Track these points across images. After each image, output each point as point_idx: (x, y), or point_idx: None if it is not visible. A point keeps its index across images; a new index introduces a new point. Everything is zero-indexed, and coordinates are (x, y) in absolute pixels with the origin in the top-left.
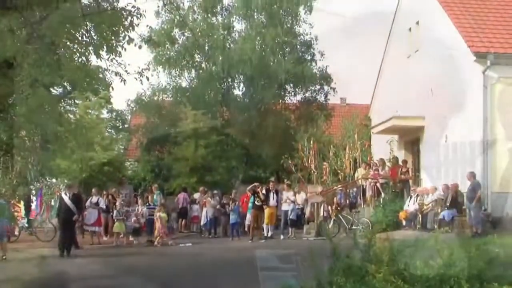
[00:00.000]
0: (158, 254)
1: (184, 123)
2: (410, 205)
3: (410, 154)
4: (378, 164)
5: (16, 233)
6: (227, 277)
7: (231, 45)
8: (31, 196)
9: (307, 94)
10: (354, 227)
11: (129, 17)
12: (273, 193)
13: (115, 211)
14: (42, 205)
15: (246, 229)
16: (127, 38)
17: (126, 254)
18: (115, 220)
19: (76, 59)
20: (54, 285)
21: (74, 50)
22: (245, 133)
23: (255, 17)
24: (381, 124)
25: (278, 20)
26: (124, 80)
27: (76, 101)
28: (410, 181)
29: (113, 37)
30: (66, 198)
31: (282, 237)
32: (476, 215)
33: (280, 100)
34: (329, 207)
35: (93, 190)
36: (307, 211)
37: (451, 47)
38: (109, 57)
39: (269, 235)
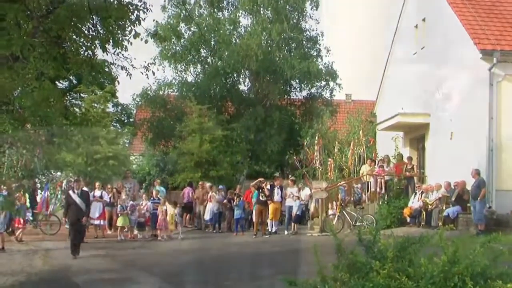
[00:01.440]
0: (160, 248)
1: (189, 117)
2: (415, 202)
3: (415, 151)
4: (383, 161)
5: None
6: (228, 271)
7: (237, 40)
8: (37, 189)
9: (312, 90)
10: (358, 224)
11: (136, 11)
12: (278, 188)
13: (119, 205)
14: (48, 200)
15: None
16: (133, 32)
17: (128, 248)
18: (119, 214)
19: (82, 52)
20: (57, 278)
21: (80, 43)
22: (250, 128)
23: (261, 12)
24: (387, 121)
25: (284, 16)
26: (130, 74)
27: (81, 94)
28: (415, 178)
29: (119, 31)
30: (74, 196)
31: (286, 232)
32: (480, 212)
33: (286, 96)
34: (335, 204)
35: (97, 184)
36: (312, 207)
37: (458, 44)
38: (115, 51)
39: (273, 230)
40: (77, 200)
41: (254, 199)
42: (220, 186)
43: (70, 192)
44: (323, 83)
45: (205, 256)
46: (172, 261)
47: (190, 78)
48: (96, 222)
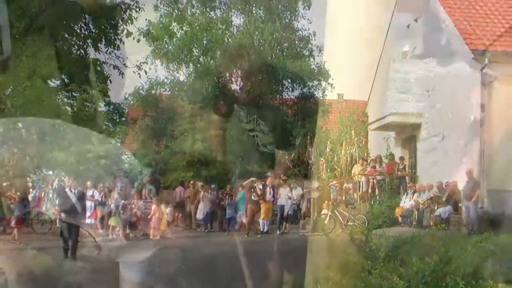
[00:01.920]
0: (152, 248)
1: (182, 117)
2: (407, 202)
3: (407, 151)
4: (375, 161)
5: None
6: (221, 270)
7: (229, 39)
8: (28, 188)
9: (304, 90)
10: (350, 223)
11: (128, 11)
12: (270, 188)
13: (113, 205)
14: (41, 199)
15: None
16: (125, 31)
17: (120, 247)
18: (113, 214)
19: (74, 51)
20: (48, 277)
21: (73, 42)
22: (242, 128)
23: (254, 11)
24: (379, 121)
25: (276, 15)
26: (122, 73)
27: (73, 93)
28: (407, 178)
29: (111, 30)
30: (71, 195)
31: (278, 232)
32: (473, 213)
33: (278, 95)
34: (327, 203)
35: (88, 183)
36: (304, 206)
37: (450, 44)
38: (107, 50)
39: (265, 230)
40: (74, 200)
41: (238, 199)
42: (213, 186)
43: (67, 190)
44: (315, 82)
45: (197, 255)
46: (164, 260)
47: (182, 78)
48: (88, 221)
